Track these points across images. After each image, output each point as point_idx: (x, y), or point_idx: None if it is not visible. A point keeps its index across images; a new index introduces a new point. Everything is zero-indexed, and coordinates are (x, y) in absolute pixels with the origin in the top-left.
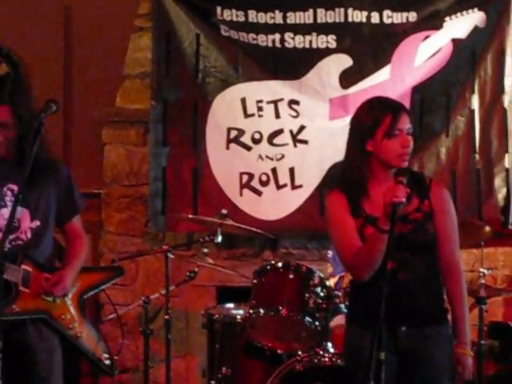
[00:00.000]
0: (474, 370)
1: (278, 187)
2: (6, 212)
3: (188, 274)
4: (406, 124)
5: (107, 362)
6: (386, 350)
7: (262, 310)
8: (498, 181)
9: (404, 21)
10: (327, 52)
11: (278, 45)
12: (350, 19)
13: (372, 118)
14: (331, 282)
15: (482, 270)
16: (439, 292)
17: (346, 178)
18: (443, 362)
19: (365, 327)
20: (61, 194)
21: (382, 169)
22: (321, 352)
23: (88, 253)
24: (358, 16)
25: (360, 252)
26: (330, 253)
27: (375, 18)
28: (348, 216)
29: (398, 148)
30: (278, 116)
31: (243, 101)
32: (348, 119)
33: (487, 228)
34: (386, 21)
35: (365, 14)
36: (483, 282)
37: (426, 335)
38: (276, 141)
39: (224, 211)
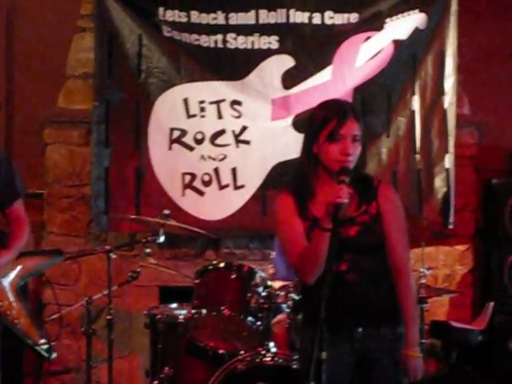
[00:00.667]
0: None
1: (221, 187)
2: None
3: (130, 274)
4: (351, 130)
5: (44, 346)
6: (343, 352)
7: (204, 310)
8: (439, 181)
9: (345, 22)
10: (269, 53)
11: (220, 45)
12: (291, 20)
13: (319, 121)
14: (276, 286)
15: (422, 269)
16: (391, 292)
17: (295, 179)
18: (398, 362)
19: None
20: (1, 177)
21: (326, 172)
22: (263, 351)
23: (30, 238)
24: (299, 17)
25: (304, 252)
26: (273, 253)
27: (317, 18)
28: (296, 217)
29: (338, 154)
30: (220, 116)
31: (186, 101)
32: (290, 120)
33: (427, 234)
34: (328, 22)
35: (306, 14)
36: (424, 281)
37: (382, 336)
38: (218, 141)
39: (166, 211)
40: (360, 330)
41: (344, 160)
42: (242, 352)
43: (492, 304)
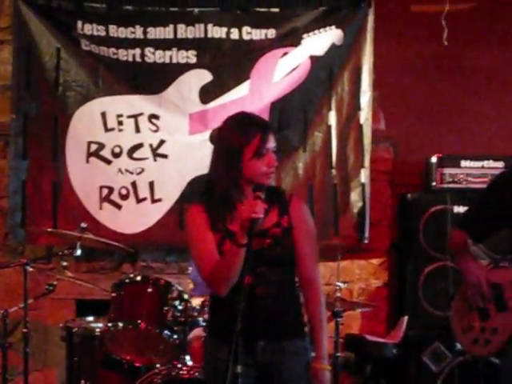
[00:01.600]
0: None
1: (138, 201)
2: None
3: (47, 287)
4: (272, 143)
5: None
6: (245, 365)
7: (120, 324)
8: (354, 195)
9: (263, 37)
10: (187, 67)
11: (138, 59)
12: (209, 35)
13: (241, 137)
14: (194, 303)
15: (338, 283)
16: (296, 306)
17: (211, 194)
18: (301, 376)
19: (223, 341)
20: None
21: (248, 186)
22: (179, 365)
23: None
24: (217, 32)
25: (217, 266)
26: (190, 269)
27: (235, 34)
28: (207, 230)
29: (264, 167)
30: (138, 130)
31: (103, 115)
32: (207, 134)
33: (342, 248)
34: (246, 37)
35: (224, 30)
36: (339, 295)
37: (283, 349)
38: (136, 155)
39: (83, 225)
40: (262, 342)
41: (270, 172)
42: (158, 365)
43: (406, 318)
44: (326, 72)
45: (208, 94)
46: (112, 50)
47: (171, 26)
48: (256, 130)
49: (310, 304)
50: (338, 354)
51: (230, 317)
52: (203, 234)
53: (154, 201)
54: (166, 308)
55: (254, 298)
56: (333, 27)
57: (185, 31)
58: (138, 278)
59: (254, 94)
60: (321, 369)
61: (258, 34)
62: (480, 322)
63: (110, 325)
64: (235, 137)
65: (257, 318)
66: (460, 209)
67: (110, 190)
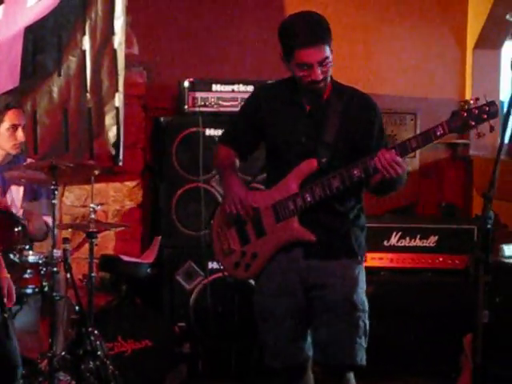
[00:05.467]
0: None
1: None
2: None
3: None
4: None
5: None
6: None
7: None
8: (109, 119)
9: None
10: None
11: None
12: None
13: None
14: None
15: (92, 205)
16: None
17: None
18: None
19: None
20: None
21: None
22: None
23: None
24: None
25: None
26: None
27: None
28: None
29: None
30: None
31: None
32: None
33: (96, 171)
34: None
35: None
36: (94, 216)
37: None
38: None
39: None
40: None
41: None
42: None
43: (160, 238)
44: None
45: None
46: None
47: None
48: None
49: None
50: (93, 275)
51: None
52: None
53: None
54: None
55: None
56: None
57: None
58: None
59: (8, 19)
60: (5, 278)
61: None
62: (241, 246)
63: None
64: None
65: None
66: (212, 131)
67: None
